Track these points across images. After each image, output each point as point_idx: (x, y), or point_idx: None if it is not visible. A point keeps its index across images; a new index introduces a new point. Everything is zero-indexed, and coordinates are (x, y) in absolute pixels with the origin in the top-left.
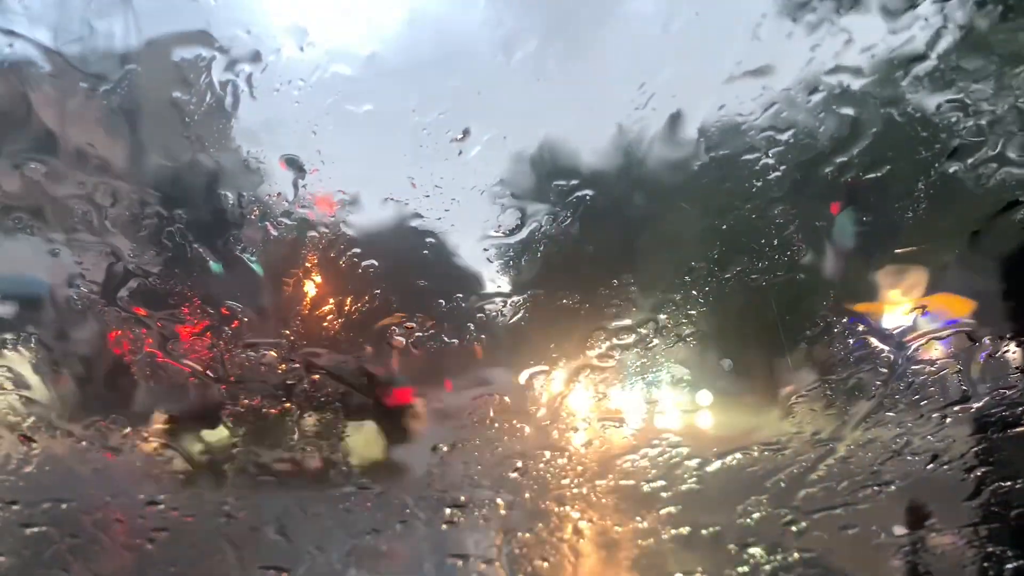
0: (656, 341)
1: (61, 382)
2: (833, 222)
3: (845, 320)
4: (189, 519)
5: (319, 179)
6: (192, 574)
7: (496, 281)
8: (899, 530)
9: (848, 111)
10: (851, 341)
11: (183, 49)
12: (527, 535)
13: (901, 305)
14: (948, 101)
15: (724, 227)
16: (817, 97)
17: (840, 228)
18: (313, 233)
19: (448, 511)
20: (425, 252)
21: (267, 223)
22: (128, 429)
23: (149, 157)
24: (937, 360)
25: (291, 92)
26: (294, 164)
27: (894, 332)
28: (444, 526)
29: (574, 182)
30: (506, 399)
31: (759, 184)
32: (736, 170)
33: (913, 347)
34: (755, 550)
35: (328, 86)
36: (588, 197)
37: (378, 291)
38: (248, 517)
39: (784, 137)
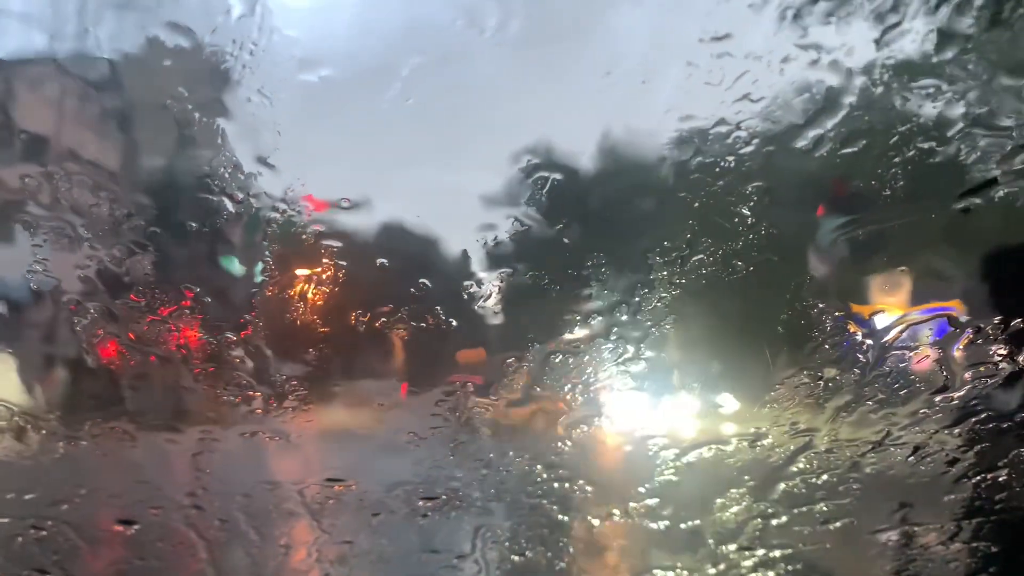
0: (629, 327)
1: (22, 372)
2: (809, 201)
3: (823, 306)
4: (155, 511)
5: (277, 151)
6: (160, 567)
7: (463, 266)
8: (881, 524)
9: (821, 81)
10: (829, 328)
11: (127, 11)
12: (502, 529)
13: (879, 291)
14: (924, 71)
15: (696, 205)
16: (789, 66)
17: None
18: (272, 210)
19: (421, 503)
20: (390, 234)
21: (221, 197)
22: (91, 419)
23: (90, 127)
24: (917, 348)
25: (243, 56)
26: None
27: (873, 319)
28: (419, 520)
29: (539, 159)
30: (478, 389)
31: (732, 159)
32: (707, 143)
33: (893, 335)
34: (735, 544)
35: (282, 50)
36: (553, 174)
37: (343, 277)
38: (218, 510)
39: (757, 108)
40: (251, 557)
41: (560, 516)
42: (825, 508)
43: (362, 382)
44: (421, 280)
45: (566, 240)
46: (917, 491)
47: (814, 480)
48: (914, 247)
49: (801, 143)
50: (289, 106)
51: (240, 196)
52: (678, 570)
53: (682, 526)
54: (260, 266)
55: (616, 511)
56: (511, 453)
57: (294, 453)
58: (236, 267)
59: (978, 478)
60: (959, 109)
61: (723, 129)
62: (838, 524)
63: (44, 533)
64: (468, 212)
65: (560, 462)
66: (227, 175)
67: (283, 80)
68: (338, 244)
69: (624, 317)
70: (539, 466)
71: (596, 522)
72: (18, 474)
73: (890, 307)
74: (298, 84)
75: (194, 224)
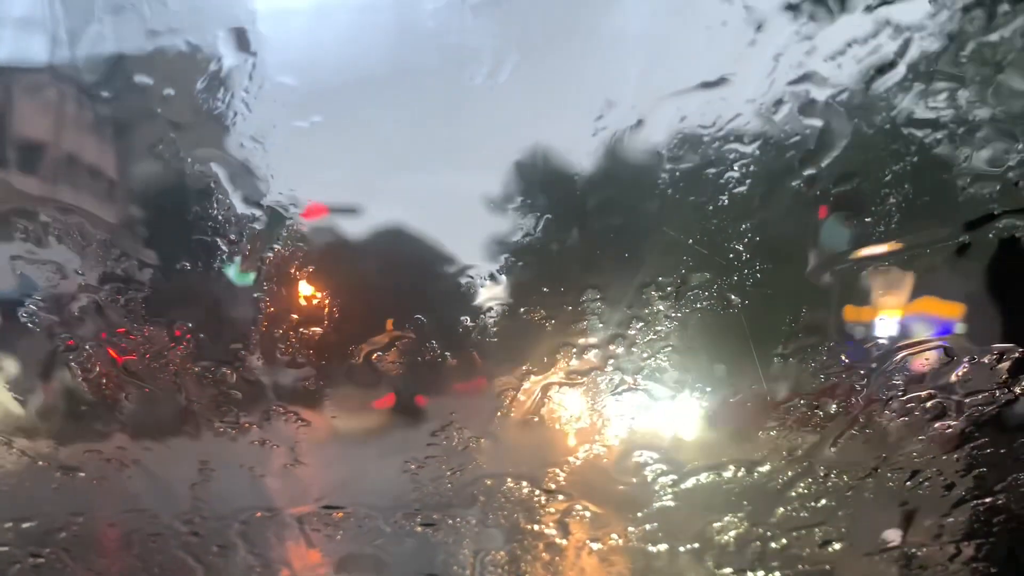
0: (624, 358)
1: (15, 399)
2: (802, 236)
3: (817, 336)
4: (154, 539)
5: (271, 192)
6: None
7: (457, 296)
8: (880, 545)
9: (815, 122)
10: (825, 357)
11: (115, 58)
12: (500, 553)
13: (875, 321)
14: (919, 111)
15: (690, 242)
16: (782, 107)
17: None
18: (267, 249)
19: (420, 530)
20: (379, 267)
21: (216, 237)
22: (87, 446)
23: (82, 167)
24: (915, 375)
25: (235, 104)
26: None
27: (869, 347)
28: (415, 544)
29: (531, 199)
30: (474, 416)
31: (725, 198)
32: (700, 184)
33: (889, 363)
34: (734, 568)
35: (274, 97)
36: (547, 213)
37: (338, 304)
38: (215, 536)
39: (749, 149)
40: None
41: (558, 540)
42: (823, 531)
43: (357, 408)
44: (416, 316)
45: (560, 276)
46: (915, 514)
47: (812, 504)
48: (910, 280)
49: (795, 182)
50: (282, 150)
51: (233, 237)
52: None
53: (680, 549)
54: (254, 299)
55: (614, 536)
56: (508, 479)
57: (291, 480)
58: (231, 302)
59: (977, 501)
60: (954, 147)
61: (716, 170)
62: (837, 547)
63: (42, 560)
64: (462, 248)
65: (558, 488)
66: (220, 217)
67: (275, 126)
68: (330, 281)
69: (620, 349)
70: (537, 491)
71: (594, 546)
72: (15, 503)
73: (886, 337)
74: (290, 129)
75: (187, 264)
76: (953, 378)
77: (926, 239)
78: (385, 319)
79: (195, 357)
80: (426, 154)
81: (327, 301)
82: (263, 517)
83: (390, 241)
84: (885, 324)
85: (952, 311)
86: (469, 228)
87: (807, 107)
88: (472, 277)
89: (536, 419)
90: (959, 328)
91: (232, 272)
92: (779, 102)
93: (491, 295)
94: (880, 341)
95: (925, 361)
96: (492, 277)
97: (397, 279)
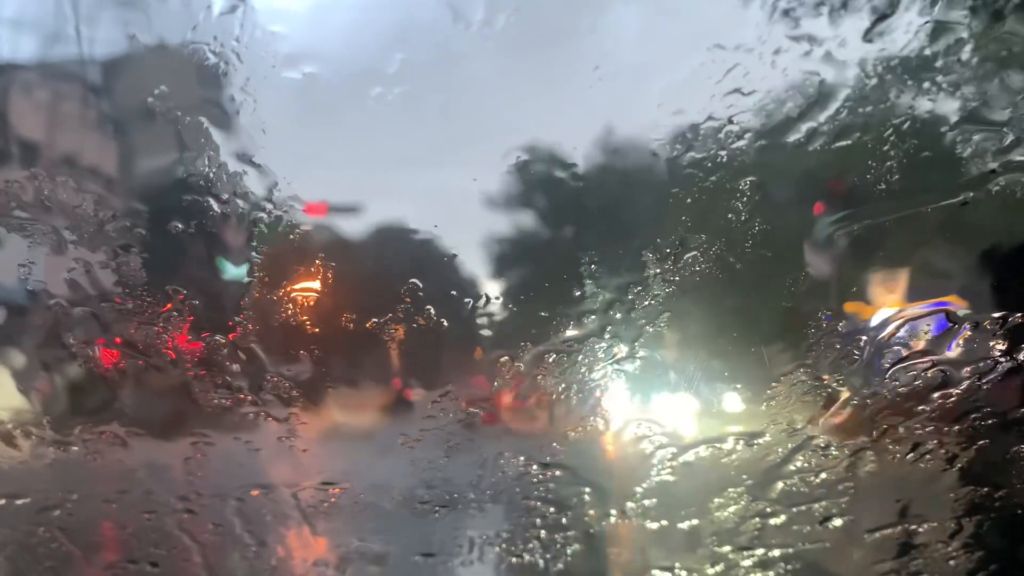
0: (623, 325)
1: (11, 377)
2: (803, 196)
3: (818, 302)
4: (148, 516)
5: (263, 153)
6: (152, 573)
7: (453, 268)
8: (880, 522)
9: (814, 74)
10: (825, 324)
11: (104, 9)
12: (498, 531)
13: (876, 286)
14: (919, 63)
15: (688, 200)
16: (781, 59)
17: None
18: (259, 210)
19: (418, 507)
20: (378, 235)
21: (206, 198)
22: (83, 424)
23: (69, 128)
24: (916, 344)
25: (227, 54)
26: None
27: (870, 315)
28: (412, 523)
29: (528, 156)
30: (471, 391)
31: (724, 153)
32: (698, 138)
33: (890, 330)
34: (733, 544)
35: (266, 47)
36: (543, 170)
37: (332, 278)
38: (211, 514)
39: (749, 102)
40: (245, 561)
41: (556, 517)
42: (823, 507)
43: (354, 385)
44: (411, 280)
45: (556, 238)
46: (916, 488)
47: (812, 479)
48: (911, 241)
49: (794, 137)
50: (273, 103)
51: (225, 196)
52: (676, 570)
53: (680, 526)
54: (248, 267)
55: (613, 511)
56: (506, 454)
57: (288, 456)
58: (225, 269)
59: (978, 475)
60: (955, 102)
61: (714, 123)
62: (837, 523)
63: (36, 540)
64: (456, 211)
65: (555, 462)
66: (211, 175)
67: (267, 77)
68: (326, 244)
69: (618, 315)
70: (535, 467)
71: (593, 523)
72: (8, 480)
73: (887, 303)
74: (282, 81)
75: (179, 225)
76: (955, 344)
77: (926, 198)
78: (380, 291)
79: (189, 330)
80: (417, 132)
81: (319, 272)
82: (260, 494)
83: (381, 227)
84: (885, 289)
85: (953, 275)
86: (462, 193)
87: (806, 57)
88: (465, 244)
89: (534, 392)
90: (960, 292)
91: (226, 245)
92: (778, 51)
93: (486, 263)
94: (880, 307)
95: (926, 327)
96: (486, 244)
97: (390, 251)
